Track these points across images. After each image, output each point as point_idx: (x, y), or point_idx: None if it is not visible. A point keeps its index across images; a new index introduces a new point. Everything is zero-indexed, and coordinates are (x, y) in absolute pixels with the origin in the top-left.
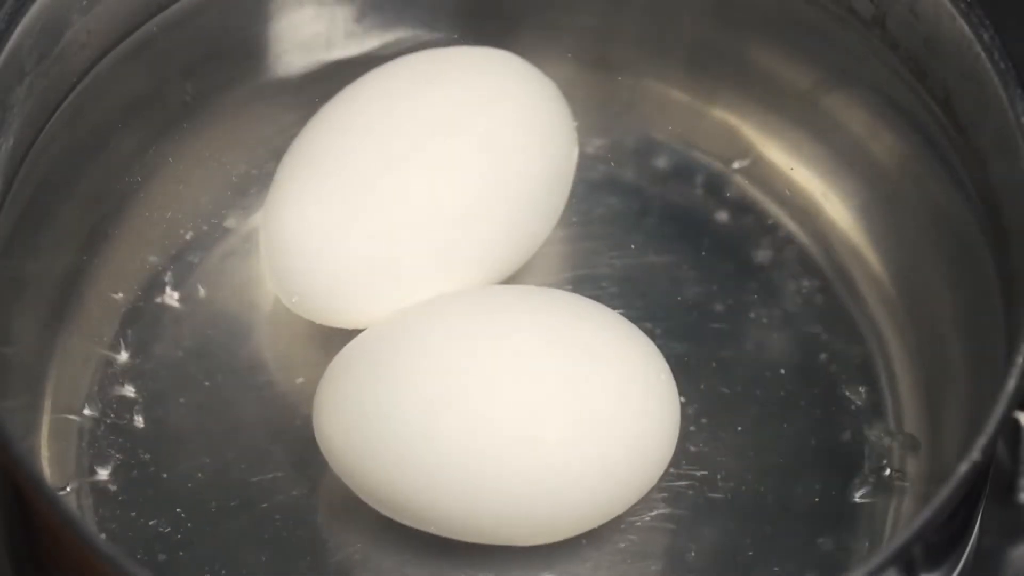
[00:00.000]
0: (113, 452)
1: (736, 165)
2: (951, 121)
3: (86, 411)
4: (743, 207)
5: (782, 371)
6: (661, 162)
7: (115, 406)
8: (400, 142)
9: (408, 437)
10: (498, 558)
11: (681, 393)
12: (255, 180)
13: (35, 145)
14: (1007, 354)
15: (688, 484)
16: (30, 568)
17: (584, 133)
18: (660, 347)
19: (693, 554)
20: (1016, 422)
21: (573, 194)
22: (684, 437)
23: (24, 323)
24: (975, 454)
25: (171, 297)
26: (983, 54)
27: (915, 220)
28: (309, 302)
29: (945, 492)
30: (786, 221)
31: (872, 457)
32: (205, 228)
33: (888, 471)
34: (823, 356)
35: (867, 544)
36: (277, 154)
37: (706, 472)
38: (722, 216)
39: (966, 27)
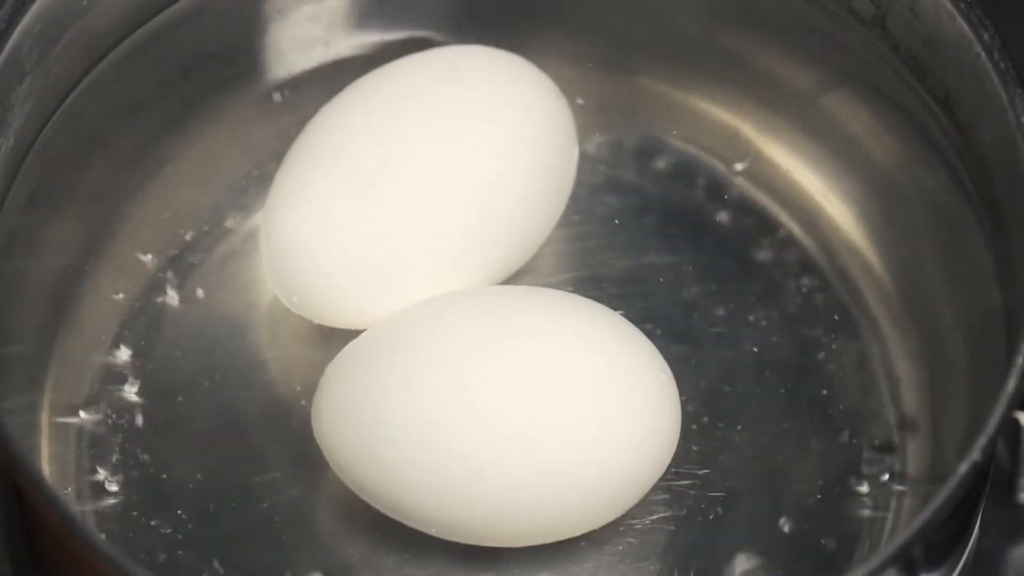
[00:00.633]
0: (113, 452)
1: (736, 165)
2: (951, 121)
3: (86, 411)
4: (743, 207)
5: (782, 371)
6: (661, 162)
7: (115, 406)
8: (400, 143)
9: (408, 437)
10: (498, 558)
11: (681, 393)
12: (255, 180)
13: (35, 145)
14: (1007, 354)
15: (688, 484)
16: (30, 568)
17: (584, 133)
18: (660, 347)
19: (693, 555)
20: (1016, 422)
21: (573, 194)
22: (684, 437)
23: (24, 323)
24: (975, 454)
25: (171, 297)
26: (983, 54)
27: (915, 220)
28: (309, 302)
29: (945, 492)
30: (786, 221)
31: (872, 457)
32: (205, 228)
33: (888, 471)
34: (823, 356)
35: (867, 544)
36: (277, 154)
37: (706, 472)
38: (722, 216)
39: (966, 27)
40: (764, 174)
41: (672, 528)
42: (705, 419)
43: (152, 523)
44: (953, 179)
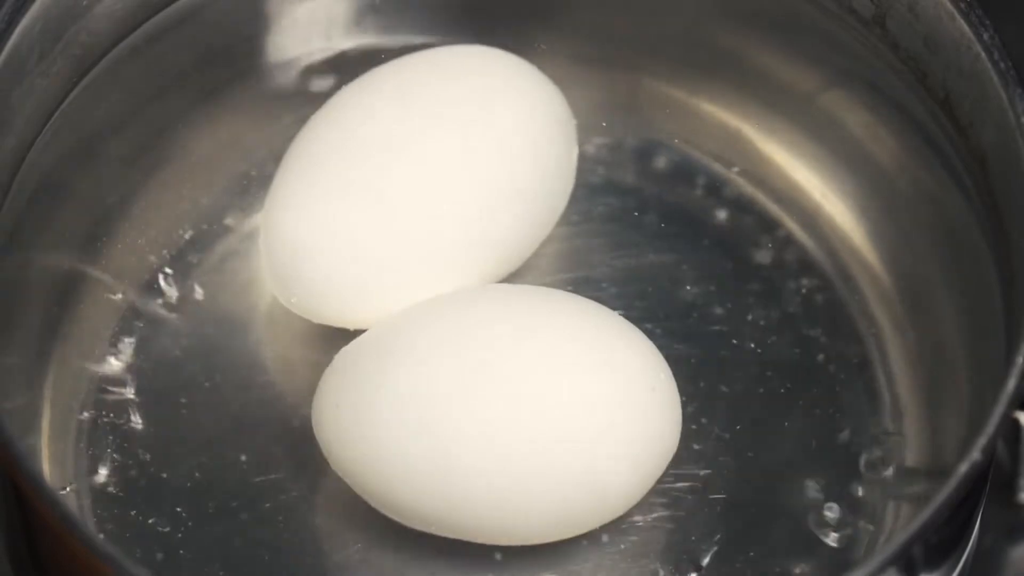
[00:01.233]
0: (113, 452)
1: (736, 165)
2: (951, 121)
3: (86, 411)
4: (743, 207)
5: (782, 371)
6: (661, 162)
7: (115, 406)
8: (400, 142)
9: (408, 437)
10: (498, 558)
11: (681, 393)
12: (255, 180)
13: (35, 145)
14: (1007, 354)
15: (688, 484)
16: (30, 568)
17: (584, 133)
18: (660, 347)
19: (693, 554)
20: (1016, 422)
21: (573, 194)
22: (684, 437)
23: (24, 323)
24: (975, 454)
25: (171, 297)
26: (983, 54)
27: (915, 220)
28: (309, 302)
29: (945, 492)
30: (786, 221)
31: (872, 457)
32: (205, 228)
33: (888, 471)
34: (823, 356)
35: (867, 544)
36: (277, 154)
37: (706, 472)
38: (722, 216)
39: (966, 27)
40: (764, 174)
41: (672, 527)
42: (705, 419)
43: (152, 523)
44: (953, 179)
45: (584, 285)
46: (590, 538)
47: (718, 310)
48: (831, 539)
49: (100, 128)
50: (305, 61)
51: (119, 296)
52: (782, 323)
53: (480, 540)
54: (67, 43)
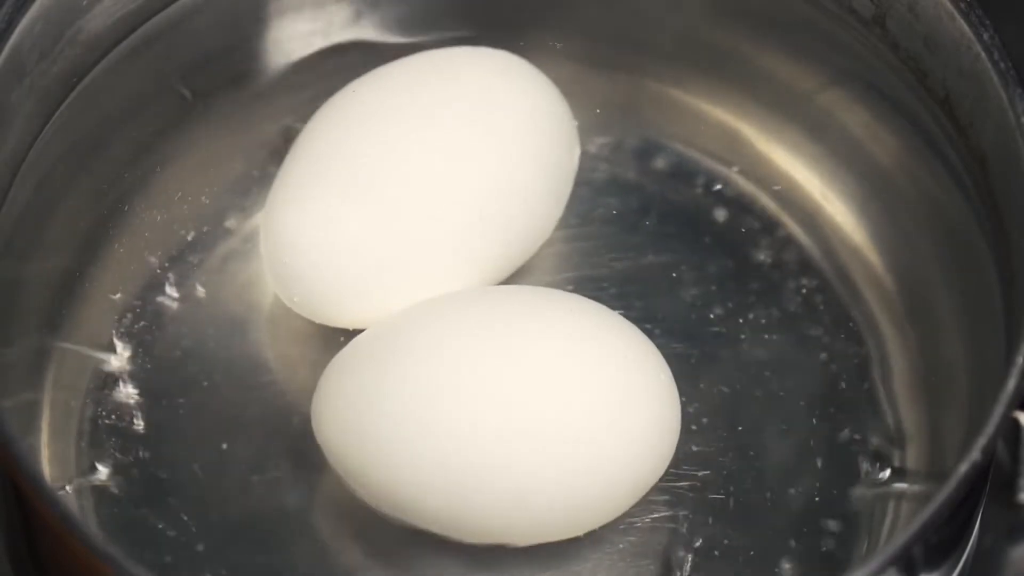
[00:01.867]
0: (113, 452)
1: (736, 165)
2: (951, 121)
3: (86, 411)
4: (743, 207)
5: (782, 371)
6: (661, 162)
7: (115, 406)
8: (400, 143)
9: (408, 437)
10: (498, 558)
11: (681, 393)
12: (255, 180)
13: (35, 145)
14: (1007, 354)
15: (688, 485)
16: (30, 568)
17: (584, 133)
18: (660, 347)
19: (693, 555)
20: (1016, 422)
21: (573, 194)
22: (684, 437)
23: (24, 323)
24: (975, 454)
25: (171, 297)
26: (983, 54)
27: (915, 220)
28: (309, 302)
29: (945, 492)
30: (786, 221)
31: (872, 457)
32: (205, 228)
33: (888, 471)
34: (823, 356)
35: (867, 544)
36: (277, 154)
37: (706, 472)
38: (722, 216)
39: (966, 26)
40: (764, 174)
41: (672, 527)
42: (705, 419)
43: (152, 523)
44: (953, 179)
45: (584, 285)
46: (590, 538)
47: (718, 310)
48: (831, 539)
49: (100, 128)
50: (305, 61)
51: (119, 296)
52: (782, 323)
53: (480, 540)
54: (67, 43)
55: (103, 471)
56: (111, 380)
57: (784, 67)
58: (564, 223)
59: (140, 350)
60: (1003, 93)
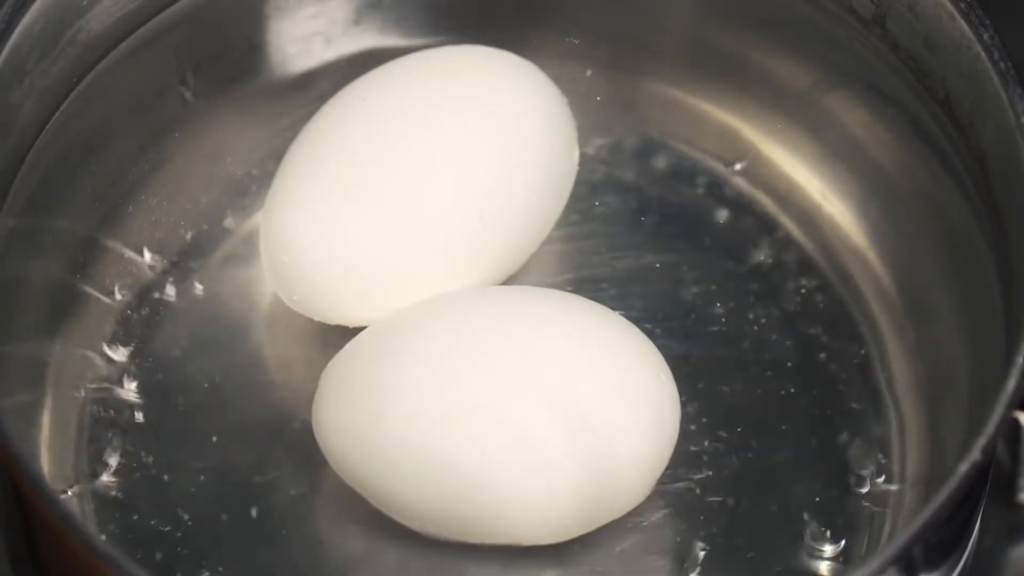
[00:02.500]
0: (113, 452)
1: (736, 165)
2: (951, 121)
3: (86, 411)
4: (743, 207)
5: (782, 371)
6: (661, 162)
7: (115, 406)
8: (400, 142)
9: (408, 436)
10: (498, 558)
11: (681, 393)
12: (255, 180)
13: (35, 145)
14: (1007, 354)
15: (688, 485)
16: (30, 568)
17: (584, 133)
18: (660, 347)
19: (693, 555)
20: (1016, 422)
21: (573, 194)
22: (684, 437)
23: (24, 323)
24: (975, 454)
25: (171, 297)
26: (983, 54)
27: (915, 220)
28: (309, 301)
29: (945, 492)
30: (786, 221)
31: (872, 457)
32: (205, 228)
33: (888, 471)
34: (823, 356)
35: (867, 544)
36: (277, 154)
37: (706, 473)
38: (722, 216)
39: (966, 26)
40: (763, 174)
41: (672, 528)
42: (704, 419)
43: (152, 523)
44: (953, 179)
45: (584, 285)
46: (589, 538)
47: (718, 310)
48: (831, 539)
49: (100, 128)
50: (305, 61)
51: (119, 296)
52: (782, 323)
53: (480, 540)
54: (67, 43)
55: (103, 471)
56: (111, 380)
57: (784, 67)
58: (564, 223)
59: (140, 350)
60: (1003, 93)
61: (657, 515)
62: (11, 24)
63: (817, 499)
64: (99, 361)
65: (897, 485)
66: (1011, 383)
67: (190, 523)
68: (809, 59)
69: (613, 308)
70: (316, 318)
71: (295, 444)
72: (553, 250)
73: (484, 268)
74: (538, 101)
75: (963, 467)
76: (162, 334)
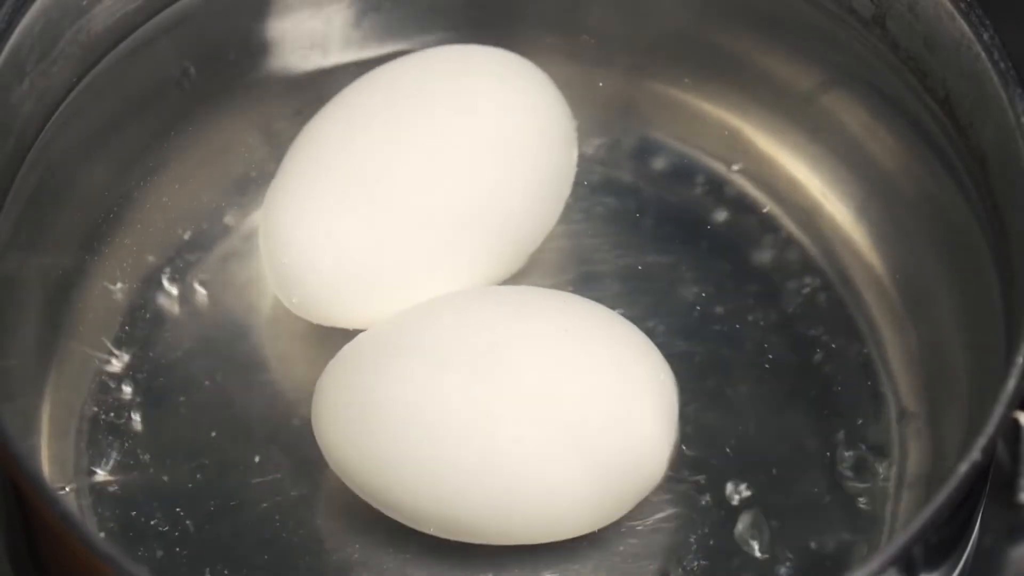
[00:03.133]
0: (113, 452)
1: (735, 165)
2: (951, 121)
3: (86, 411)
4: (743, 207)
5: (782, 371)
6: (661, 162)
7: (115, 406)
8: (400, 142)
9: (408, 437)
10: (498, 558)
11: (681, 393)
12: (255, 180)
13: (35, 145)
14: (1007, 354)
15: (688, 485)
16: (30, 568)
17: (584, 133)
18: (660, 347)
19: (692, 555)
20: (1016, 422)
21: (573, 194)
22: (684, 437)
23: (24, 323)
24: (975, 454)
25: (170, 297)
26: (983, 54)
27: (915, 220)
28: (309, 302)
29: (945, 492)
30: (786, 221)
31: (872, 457)
32: (205, 228)
33: (888, 471)
34: (822, 356)
35: (867, 544)
36: (277, 154)
37: (706, 472)
38: (722, 216)
39: (966, 26)
40: (763, 174)
41: (672, 528)
42: (705, 419)
43: (152, 523)
44: (953, 179)
45: (584, 285)
46: (590, 539)
47: (718, 310)
48: (831, 539)
49: (100, 128)
50: (305, 61)
51: (119, 296)
52: (782, 323)
53: (480, 540)
54: (67, 43)
55: (103, 471)
56: (111, 380)
57: (784, 67)
58: (564, 222)
59: (140, 350)
60: (1003, 93)
61: (657, 515)
62: (11, 24)
63: (817, 499)
64: (99, 361)
65: (897, 485)
66: (1011, 383)
67: (190, 523)
68: (809, 59)
69: (613, 308)
70: (316, 321)
71: (295, 444)
72: (553, 250)
73: (484, 268)
74: (538, 101)
75: (963, 467)
76: (162, 334)
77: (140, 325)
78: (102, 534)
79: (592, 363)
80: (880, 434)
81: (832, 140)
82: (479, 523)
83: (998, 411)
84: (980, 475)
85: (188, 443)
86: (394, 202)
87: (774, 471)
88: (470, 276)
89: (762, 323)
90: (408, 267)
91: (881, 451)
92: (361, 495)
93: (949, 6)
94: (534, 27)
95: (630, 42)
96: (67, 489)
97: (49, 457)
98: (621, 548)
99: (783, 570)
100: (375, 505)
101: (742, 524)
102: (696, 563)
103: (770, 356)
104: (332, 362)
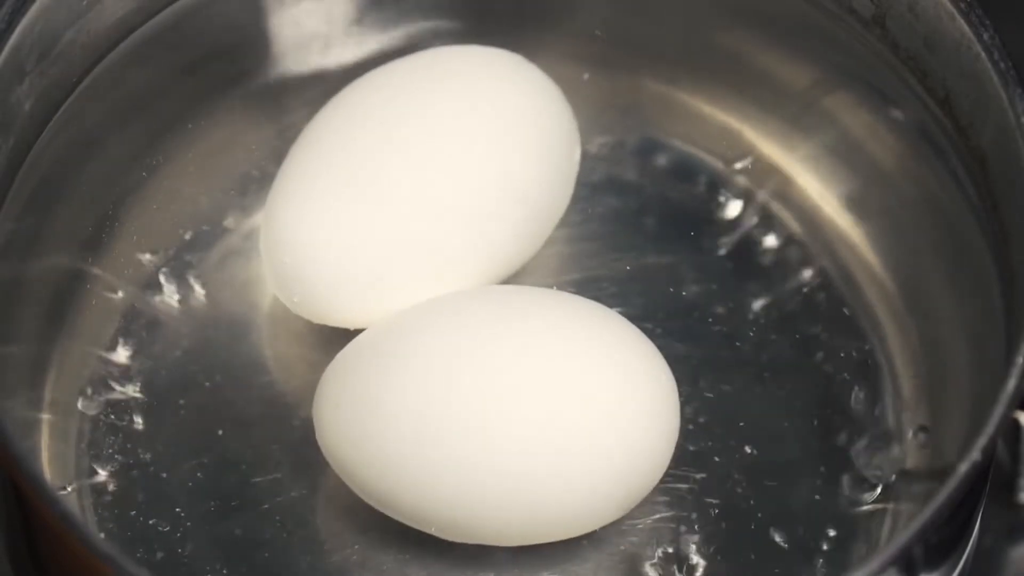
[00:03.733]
0: (113, 452)
1: (736, 165)
2: (951, 121)
3: (86, 411)
4: (744, 207)
5: (782, 371)
6: (662, 162)
7: (115, 406)
8: (401, 142)
9: (408, 437)
10: (498, 558)
11: (681, 393)
12: (255, 180)
13: (35, 145)
14: (1007, 354)
15: (688, 485)
16: (30, 568)
17: (585, 133)
18: (660, 347)
19: (692, 555)
20: (1016, 422)
21: (574, 194)
22: (684, 437)
23: (24, 323)
24: (975, 454)
25: (171, 297)
26: (983, 54)
27: (915, 220)
28: (309, 302)
29: (945, 492)
30: (786, 221)
31: (872, 457)
32: (205, 228)
33: (888, 471)
34: (823, 355)
35: (867, 544)
36: (277, 154)
37: (706, 472)
38: (723, 216)
39: (966, 26)
40: (764, 174)
41: (672, 528)
42: (705, 419)
43: (152, 523)
44: (953, 179)
45: (584, 285)
46: (590, 538)
47: (718, 310)
48: (831, 539)
49: (100, 128)
50: (305, 61)
51: (119, 296)
52: (782, 323)
53: (480, 540)
54: (67, 43)
55: (103, 471)
56: (111, 380)
57: (784, 67)
58: (565, 223)
59: (140, 350)
60: (1003, 93)
61: (657, 515)
62: (11, 24)
63: (817, 499)
64: (99, 361)
65: (897, 485)
66: (1011, 383)
67: (190, 523)
68: (809, 59)
69: (613, 308)
70: (316, 320)
71: (295, 445)
72: (554, 250)
73: (485, 268)
74: (539, 101)
75: (963, 467)
76: (162, 334)
77: (140, 325)
78: (102, 534)
79: (592, 363)
80: (880, 434)
81: (832, 140)
82: (479, 523)
83: (998, 411)
84: (980, 475)
85: (188, 443)
86: (395, 202)
87: (774, 471)
88: (470, 276)
89: (762, 323)
90: (408, 267)
91: (881, 451)
92: (361, 495)
93: (949, 6)
94: (535, 27)
95: (631, 42)
96: (67, 489)
97: (49, 457)
98: (621, 548)
99: (783, 570)
100: (375, 505)
101: (741, 524)
102: (695, 562)
103: (770, 356)
104: (333, 363)
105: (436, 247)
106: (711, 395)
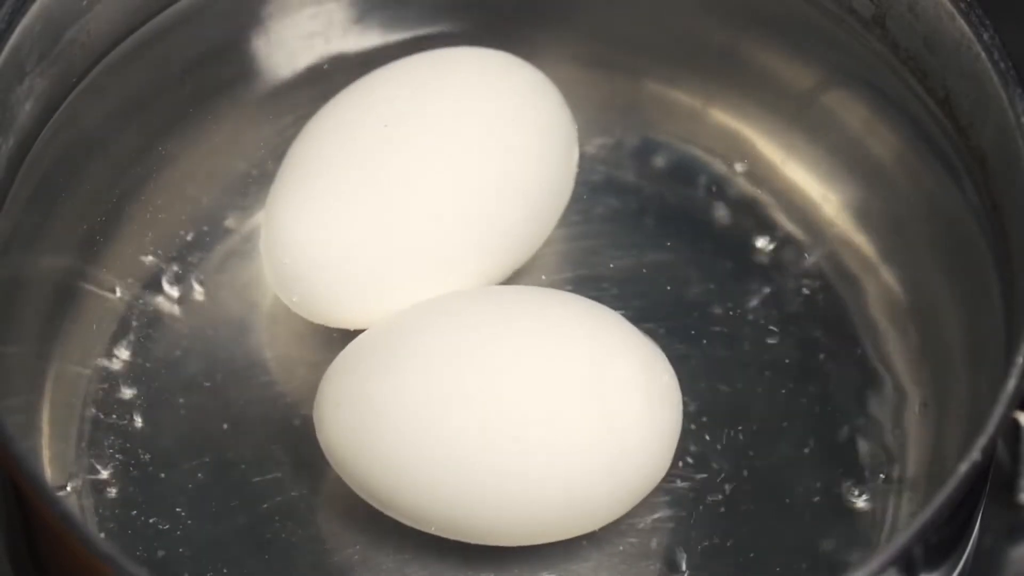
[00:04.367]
0: (113, 452)
1: (736, 165)
2: (951, 121)
3: (86, 411)
4: (743, 207)
5: (782, 371)
6: (661, 162)
7: (115, 406)
8: (401, 143)
9: (408, 437)
10: (498, 558)
11: (682, 393)
12: (255, 180)
13: (35, 145)
14: (1007, 354)
15: (688, 485)
16: (30, 568)
17: (584, 134)
18: (660, 347)
19: (693, 555)
20: (1016, 422)
21: (573, 194)
22: (684, 437)
23: (24, 323)
24: (975, 454)
25: (171, 297)
26: (983, 53)
27: (915, 220)
28: (309, 302)
29: (945, 492)
30: (786, 221)
31: (872, 457)
32: (205, 228)
33: (887, 471)
34: (823, 356)
35: (867, 544)
36: (277, 154)
37: (706, 473)
38: (722, 216)
39: (966, 26)
40: (763, 174)
41: (672, 528)
42: (705, 419)
43: (152, 523)
44: (953, 179)
45: (584, 285)
46: (590, 538)
47: (718, 310)
48: (831, 539)
49: (100, 128)
50: (305, 61)
51: (119, 296)
52: (782, 323)
53: (480, 541)
54: (67, 43)
55: (103, 471)
56: (112, 380)
57: (784, 67)
58: (564, 223)
59: (140, 350)
60: (1003, 93)
61: (658, 515)
62: (11, 24)
63: (816, 499)
64: (100, 361)
65: (897, 485)
66: (1011, 383)
67: (190, 523)
68: (809, 59)
69: (613, 308)
70: (316, 320)
71: (296, 444)
72: (554, 250)
73: (484, 268)
74: (538, 102)
75: (963, 467)
76: (162, 334)
77: (141, 325)
78: (102, 534)
79: (593, 364)
80: (880, 434)
81: (832, 140)
82: (479, 523)
83: (998, 411)
84: (980, 475)
85: (188, 443)
86: (395, 203)
87: (774, 471)
88: (470, 276)
89: (762, 323)
90: (408, 267)
91: (881, 451)
92: (362, 495)
93: (949, 6)
94: (535, 27)
95: (630, 42)
96: (67, 489)
97: (49, 457)
98: (621, 548)
99: (783, 570)
100: (375, 505)
101: (741, 523)
102: (696, 563)
103: (770, 356)
104: (333, 363)
105: (436, 247)
106: (711, 395)
